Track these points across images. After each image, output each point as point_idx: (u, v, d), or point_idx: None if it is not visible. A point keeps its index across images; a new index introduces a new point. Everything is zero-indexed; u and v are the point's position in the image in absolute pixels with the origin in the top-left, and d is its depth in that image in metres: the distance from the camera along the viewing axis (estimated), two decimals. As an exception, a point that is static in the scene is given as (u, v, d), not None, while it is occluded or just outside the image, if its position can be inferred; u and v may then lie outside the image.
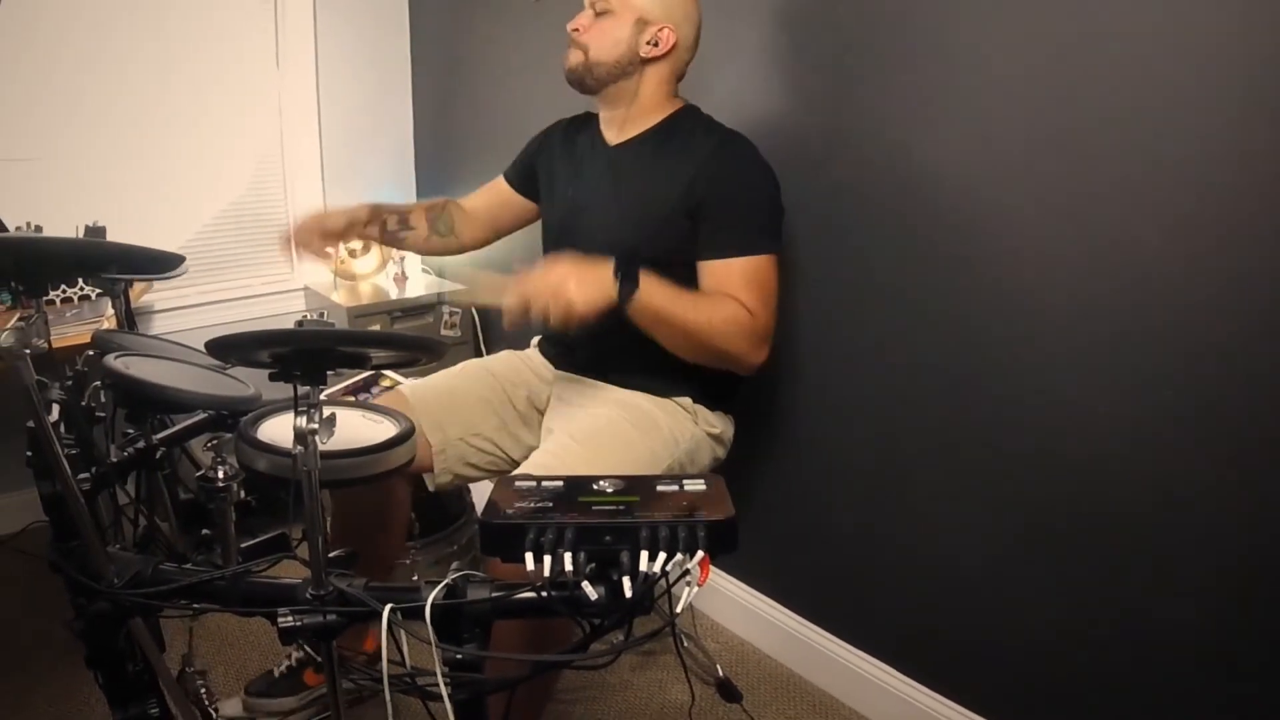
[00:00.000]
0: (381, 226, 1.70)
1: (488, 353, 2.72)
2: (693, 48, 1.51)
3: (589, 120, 1.63)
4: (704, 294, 1.40)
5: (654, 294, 1.31)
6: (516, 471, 1.35)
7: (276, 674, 1.69)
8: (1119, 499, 1.30)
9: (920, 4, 1.44)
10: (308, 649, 1.59)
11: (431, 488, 1.56)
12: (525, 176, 1.73)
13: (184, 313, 2.64)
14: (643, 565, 0.79)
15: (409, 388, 1.59)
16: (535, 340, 1.74)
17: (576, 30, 1.49)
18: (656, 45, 1.45)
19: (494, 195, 1.78)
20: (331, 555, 0.92)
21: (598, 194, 1.55)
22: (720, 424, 1.56)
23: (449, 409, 1.54)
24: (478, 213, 1.79)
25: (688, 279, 1.46)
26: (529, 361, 1.67)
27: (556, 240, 1.63)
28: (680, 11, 1.47)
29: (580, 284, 1.24)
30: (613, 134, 1.55)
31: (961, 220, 1.44)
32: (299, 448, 0.84)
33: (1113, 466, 1.30)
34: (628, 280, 1.29)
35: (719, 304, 1.38)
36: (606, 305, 1.27)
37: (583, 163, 1.59)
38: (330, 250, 1.62)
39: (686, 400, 1.52)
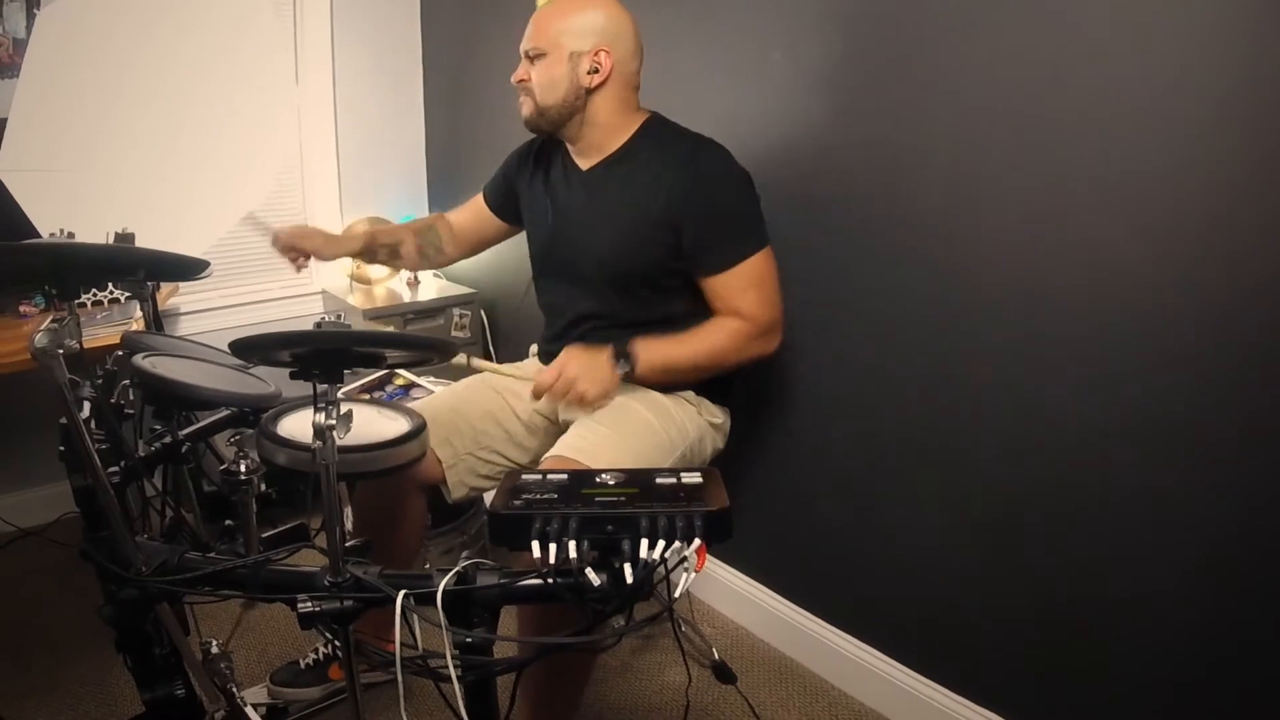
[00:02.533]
0: (371, 257, 1.75)
1: (495, 351, 2.72)
2: (637, 55, 1.45)
3: (558, 146, 1.57)
4: (701, 328, 1.43)
5: (653, 358, 1.41)
6: (551, 453, 1.36)
7: (302, 665, 1.68)
8: (1090, 490, 1.30)
9: (903, 24, 1.44)
10: (330, 639, 1.59)
11: (450, 500, 1.56)
12: (504, 198, 1.69)
13: (208, 315, 2.64)
14: (643, 553, 0.80)
15: (416, 406, 1.58)
16: (534, 349, 1.73)
17: (522, 81, 1.45)
18: (597, 72, 1.41)
19: (476, 214, 1.76)
20: (348, 545, 0.93)
21: (577, 220, 1.51)
22: (721, 415, 1.57)
23: (455, 426, 1.53)
24: (462, 228, 1.77)
25: (674, 288, 1.47)
26: (529, 371, 1.66)
27: (543, 267, 1.62)
28: (611, 29, 1.41)
29: (590, 382, 1.37)
30: (583, 160, 1.51)
31: (941, 226, 1.43)
32: (317, 442, 0.84)
33: (1083, 459, 1.30)
34: (624, 361, 1.40)
35: (714, 330, 1.43)
36: (616, 387, 1.41)
37: (558, 191, 1.55)
38: (301, 261, 1.66)
39: (690, 393, 1.52)
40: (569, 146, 1.54)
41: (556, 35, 1.41)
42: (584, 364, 1.38)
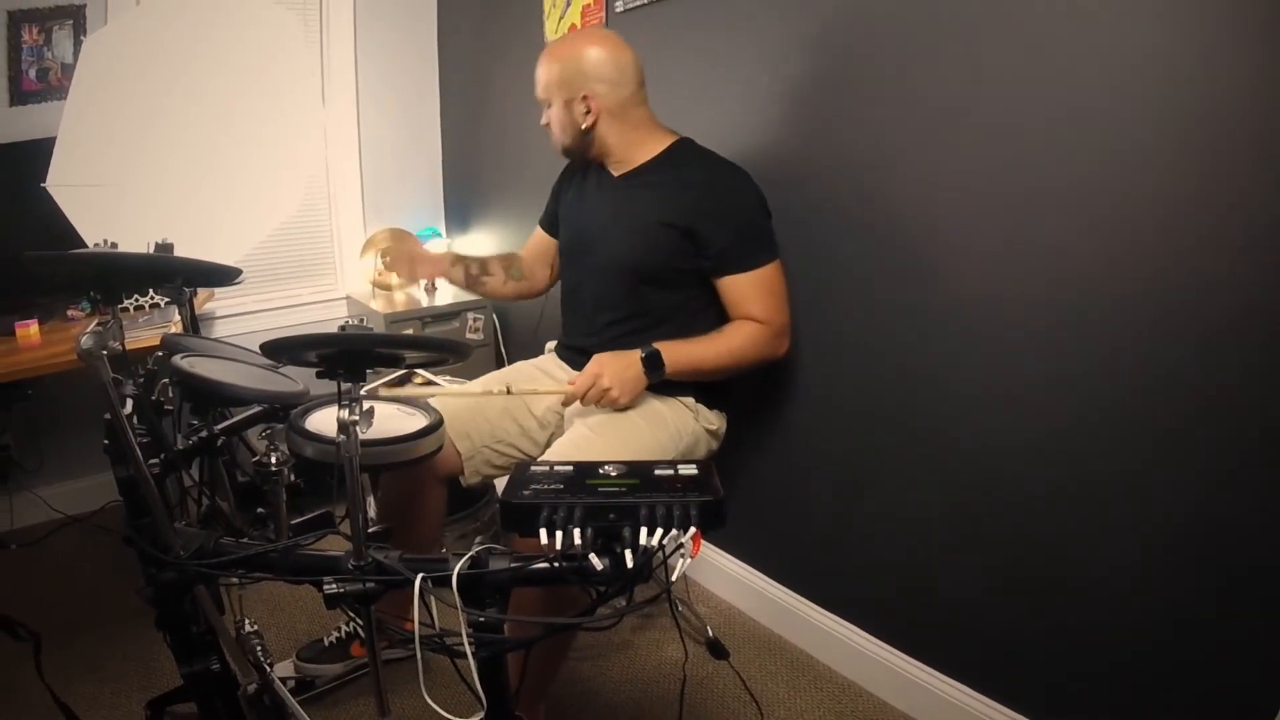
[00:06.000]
0: (465, 272, 1.71)
1: (506, 353, 2.72)
2: (624, 83, 1.46)
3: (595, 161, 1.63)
4: (721, 331, 1.46)
5: (678, 360, 1.43)
6: (540, 459, 1.36)
7: (326, 643, 1.68)
8: (1057, 478, 1.30)
9: (883, 48, 1.44)
10: (353, 618, 1.59)
11: (465, 486, 1.56)
12: (554, 220, 1.73)
13: (241, 318, 2.64)
14: (642, 539, 0.80)
15: (439, 402, 1.58)
16: (550, 345, 1.73)
17: (546, 124, 1.53)
18: (589, 113, 1.47)
19: (539, 242, 1.78)
20: (370, 531, 0.92)
21: (602, 218, 1.55)
22: (717, 421, 1.57)
23: (474, 420, 1.53)
24: (534, 259, 1.78)
25: (683, 286, 1.48)
26: (544, 367, 1.66)
27: (568, 260, 1.65)
28: (589, 73, 1.44)
29: (620, 386, 1.40)
30: (616, 170, 1.56)
31: (920, 236, 1.43)
32: (342, 437, 0.84)
33: (1051, 448, 1.30)
34: (653, 366, 1.41)
35: (734, 331, 1.46)
36: (643, 388, 1.43)
37: (590, 194, 1.60)
38: (411, 279, 1.69)
39: (689, 399, 1.52)
40: (604, 161, 1.58)
41: (550, 87, 1.49)
42: (615, 371, 1.40)
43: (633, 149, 1.51)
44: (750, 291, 1.45)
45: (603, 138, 1.50)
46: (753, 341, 1.45)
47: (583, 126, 1.48)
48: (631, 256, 1.48)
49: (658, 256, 1.46)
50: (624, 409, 1.43)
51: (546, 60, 1.49)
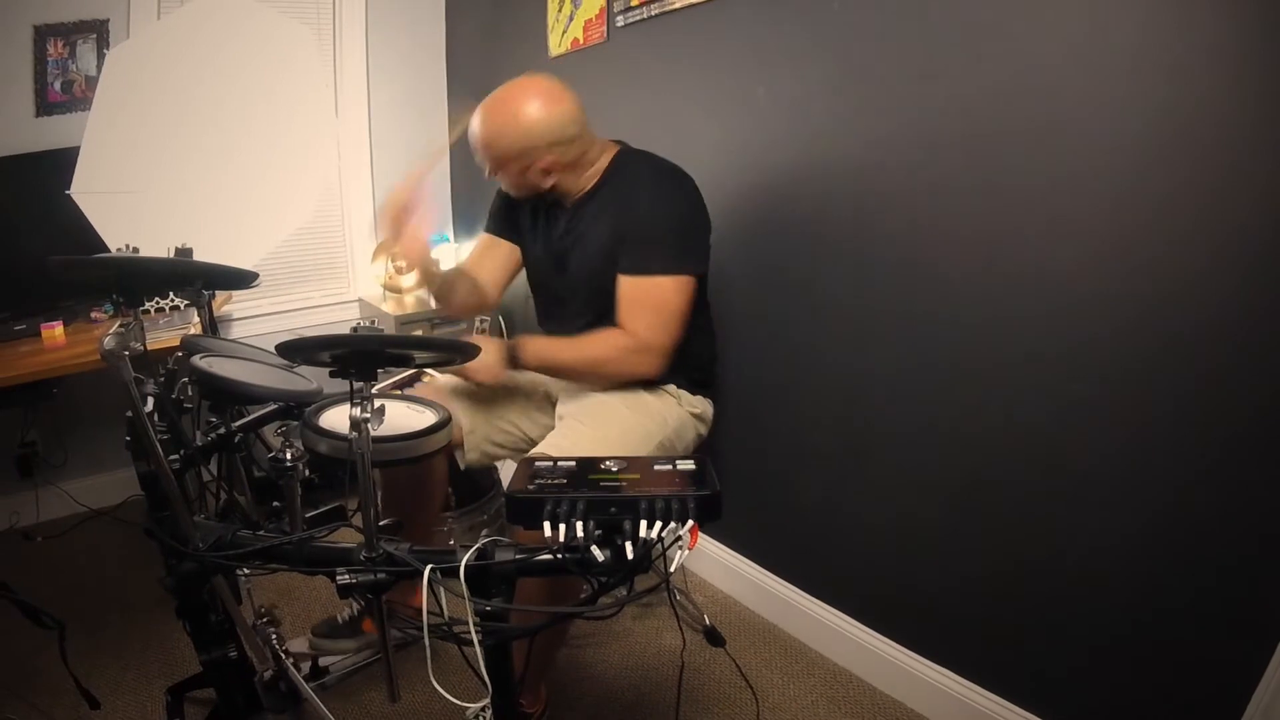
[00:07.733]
0: (441, 280, 1.52)
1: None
2: (579, 130, 1.38)
3: None
4: (588, 335, 1.37)
5: (533, 358, 1.41)
6: (534, 451, 1.36)
7: (340, 620, 1.69)
8: (1041, 471, 1.30)
9: (873, 65, 1.44)
10: (365, 608, 1.59)
11: (462, 466, 1.55)
12: (506, 222, 1.59)
13: (258, 320, 2.64)
14: (642, 532, 0.80)
15: (446, 378, 1.58)
16: None
17: (491, 177, 1.44)
18: (549, 173, 1.39)
19: (487, 250, 1.61)
20: (381, 524, 0.92)
21: (564, 243, 1.49)
22: (701, 405, 1.54)
23: (478, 395, 1.52)
24: (482, 272, 1.59)
25: None
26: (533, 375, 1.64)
27: (540, 286, 1.60)
28: (543, 140, 1.35)
29: (477, 371, 1.42)
30: (567, 199, 1.48)
31: (904, 240, 1.43)
32: (354, 433, 0.84)
33: (1035, 441, 1.30)
34: (512, 359, 1.41)
35: (595, 340, 1.37)
36: (503, 374, 1.43)
37: (549, 222, 1.52)
38: (400, 224, 1.42)
39: (672, 387, 1.50)
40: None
41: (500, 157, 1.38)
42: (479, 358, 1.29)
43: (583, 179, 1.44)
44: (633, 297, 1.34)
45: (560, 186, 1.43)
46: (611, 353, 1.36)
47: (543, 186, 1.41)
48: (594, 275, 1.43)
49: (613, 275, 1.40)
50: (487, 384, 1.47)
51: (487, 132, 1.37)
